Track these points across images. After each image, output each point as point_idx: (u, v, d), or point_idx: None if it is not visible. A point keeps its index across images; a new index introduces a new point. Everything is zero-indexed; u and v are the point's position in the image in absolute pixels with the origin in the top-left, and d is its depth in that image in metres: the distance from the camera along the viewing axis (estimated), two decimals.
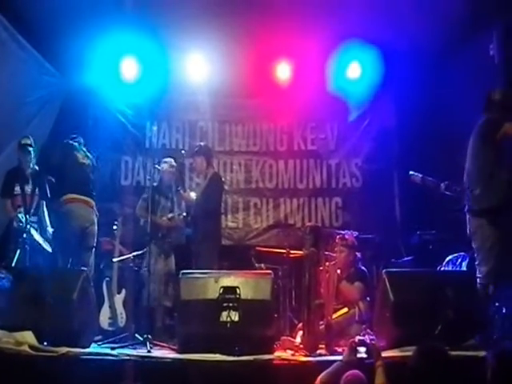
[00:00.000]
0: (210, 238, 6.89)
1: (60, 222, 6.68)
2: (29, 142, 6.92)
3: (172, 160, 7.48)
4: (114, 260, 7.03)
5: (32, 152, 6.91)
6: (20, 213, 6.59)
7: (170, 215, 7.24)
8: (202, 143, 7.81)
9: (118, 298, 7.00)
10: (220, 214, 7.47)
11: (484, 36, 7.41)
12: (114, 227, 7.29)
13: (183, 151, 7.67)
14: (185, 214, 7.35)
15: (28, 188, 6.79)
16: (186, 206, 7.43)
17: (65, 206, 6.70)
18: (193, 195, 7.24)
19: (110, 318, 6.85)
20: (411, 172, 6.38)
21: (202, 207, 6.97)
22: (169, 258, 7.28)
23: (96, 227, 6.85)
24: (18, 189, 6.74)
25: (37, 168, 6.96)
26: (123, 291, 7.05)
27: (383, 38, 8.06)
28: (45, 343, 5.07)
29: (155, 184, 7.57)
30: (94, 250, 6.77)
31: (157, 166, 7.12)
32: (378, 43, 8.20)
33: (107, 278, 6.99)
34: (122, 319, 6.88)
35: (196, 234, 6.95)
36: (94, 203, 6.85)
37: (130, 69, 8.73)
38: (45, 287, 5.26)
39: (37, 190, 6.84)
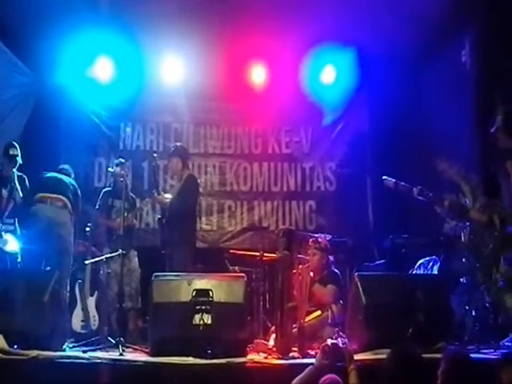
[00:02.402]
0: (184, 241, 6.85)
1: (27, 224, 6.58)
2: (16, 152, 6.80)
3: (123, 161, 7.31)
4: (87, 262, 6.97)
5: (18, 161, 6.81)
6: None
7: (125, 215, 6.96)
8: (178, 144, 7.72)
9: (91, 301, 6.95)
10: (195, 216, 7.42)
11: (456, 42, 7.52)
12: (87, 229, 7.23)
13: (155, 154, 7.57)
14: (159, 216, 7.30)
15: (5, 191, 6.70)
16: (161, 208, 7.38)
17: (33, 206, 6.61)
18: (167, 196, 7.18)
19: (82, 321, 6.80)
20: (384, 177, 6.42)
21: (177, 209, 6.91)
22: (126, 258, 7.09)
23: (68, 229, 6.73)
24: None
25: (17, 173, 6.85)
26: (96, 293, 7.00)
27: (358, 42, 8.17)
28: (15, 346, 5.01)
29: (109, 188, 7.50)
30: (68, 253, 6.63)
31: (109, 168, 7.05)
32: (353, 47, 8.28)
33: (80, 281, 6.93)
34: (94, 322, 6.83)
35: (171, 236, 6.89)
36: (67, 202, 6.74)
37: (104, 70, 8.70)
38: (15, 289, 5.21)
39: (15, 193, 6.74)
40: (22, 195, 6.79)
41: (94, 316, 6.86)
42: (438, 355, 4.74)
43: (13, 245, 6.48)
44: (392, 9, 7.44)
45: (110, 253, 6.86)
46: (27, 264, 6.21)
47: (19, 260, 6.32)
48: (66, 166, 7.25)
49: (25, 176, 6.91)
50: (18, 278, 5.47)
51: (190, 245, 6.96)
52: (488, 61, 6.85)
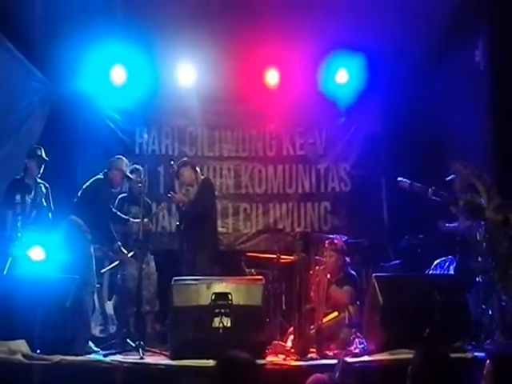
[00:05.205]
0: (206, 244, 6.92)
1: (53, 234, 6.64)
2: (44, 154, 6.87)
3: (139, 167, 7.39)
4: (104, 269, 7.04)
5: (43, 164, 6.88)
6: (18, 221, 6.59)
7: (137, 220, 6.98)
8: (184, 159, 7.76)
9: (109, 305, 7.02)
10: (215, 218, 7.46)
11: (470, 43, 7.51)
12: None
13: (172, 161, 7.60)
14: (178, 223, 7.34)
15: (29, 198, 6.75)
16: (179, 214, 7.43)
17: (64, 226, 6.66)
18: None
19: (101, 325, 6.87)
20: (399, 178, 6.47)
21: (196, 212, 6.98)
22: (143, 262, 7.00)
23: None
24: (18, 197, 6.70)
25: (42, 182, 6.90)
26: (113, 298, 7.07)
27: (368, 49, 8.18)
28: (38, 351, 5.10)
29: (124, 194, 7.55)
30: (91, 259, 6.61)
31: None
32: (364, 50, 8.31)
33: (98, 285, 6.99)
34: (113, 326, 6.91)
35: (191, 241, 6.96)
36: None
37: (119, 75, 8.73)
38: (38, 295, 5.29)
39: (39, 201, 6.81)
40: (45, 204, 6.87)
41: (112, 320, 6.94)
42: (456, 355, 4.80)
43: (38, 254, 6.54)
44: (403, 11, 7.45)
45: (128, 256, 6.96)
46: (51, 271, 6.27)
47: (43, 268, 6.38)
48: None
49: (47, 184, 6.97)
50: (41, 284, 5.52)
51: (211, 248, 7.04)
52: (502, 61, 6.86)
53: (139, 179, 7.05)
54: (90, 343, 5.94)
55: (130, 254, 6.94)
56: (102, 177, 6.82)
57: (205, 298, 5.36)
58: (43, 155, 6.84)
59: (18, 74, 7.86)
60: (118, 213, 7.13)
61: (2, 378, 4.74)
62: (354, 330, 6.00)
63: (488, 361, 3.46)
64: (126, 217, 7.21)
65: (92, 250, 6.55)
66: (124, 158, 7.04)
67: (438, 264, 6.90)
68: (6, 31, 7.32)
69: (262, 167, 9.19)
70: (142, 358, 5.44)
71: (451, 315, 5.36)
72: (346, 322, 6.18)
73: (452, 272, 6.58)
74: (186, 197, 7.28)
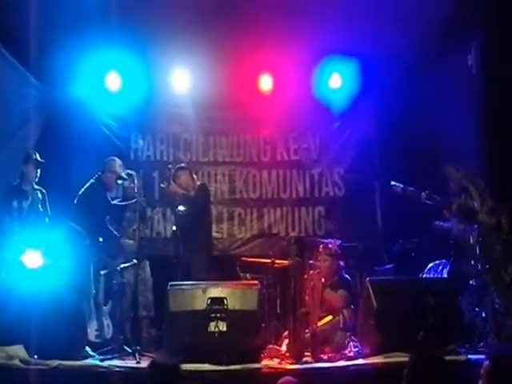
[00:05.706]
0: (202, 249, 6.99)
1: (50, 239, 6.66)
2: (38, 157, 6.86)
3: (131, 173, 7.27)
4: (102, 273, 7.06)
5: (39, 167, 6.86)
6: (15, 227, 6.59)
7: (134, 227, 7.07)
8: (181, 164, 7.83)
9: (105, 310, 7.04)
10: (210, 223, 7.53)
11: (462, 47, 7.57)
12: (100, 239, 7.31)
13: (170, 165, 7.64)
14: (174, 228, 7.38)
15: (26, 204, 6.76)
16: (175, 219, 7.46)
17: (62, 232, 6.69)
18: (180, 208, 7.24)
19: (96, 330, 6.87)
20: (393, 182, 6.51)
21: (191, 218, 7.03)
22: (139, 267, 7.00)
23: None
24: (15, 204, 6.69)
25: (39, 188, 6.88)
26: (109, 303, 7.09)
27: (362, 50, 8.22)
28: (35, 356, 5.12)
29: (117, 201, 7.56)
30: (88, 264, 6.69)
31: (119, 181, 7.11)
32: (358, 55, 8.36)
33: (94, 290, 7.02)
34: (108, 331, 6.92)
35: (188, 245, 7.00)
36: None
37: (114, 81, 8.76)
38: (35, 300, 5.31)
39: (36, 207, 6.82)
40: (42, 210, 6.88)
41: (107, 325, 6.95)
42: (449, 357, 4.85)
43: (35, 259, 6.55)
44: (396, 15, 7.50)
45: (124, 263, 6.97)
46: (48, 276, 6.28)
47: (41, 274, 6.39)
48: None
49: (44, 190, 6.98)
50: (38, 289, 5.55)
51: (206, 253, 7.12)
52: (495, 65, 6.91)
53: (132, 185, 7.09)
54: (87, 348, 5.97)
55: (128, 264, 6.97)
56: (95, 181, 6.86)
57: (200, 302, 5.40)
58: (38, 158, 6.87)
59: (13, 80, 7.86)
60: (116, 202, 7.27)
61: None
62: (348, 333, 6.05)
63: (487, 361, 3.50)
64: (123, 203, 7.30)
65: (90, 255, 6.58)
66: (117, 159, 7.07)
67: (431, 267, 6.95)
68: (0, 37, 7.34)
69: (256, 172, 9.23)
70: (138, 363, 5.47)
71: (445, 318, 5.41)
72: (341, 325, 6.22)
73: (445, 275, 6.63)
74: (182, 197, 7.27)
